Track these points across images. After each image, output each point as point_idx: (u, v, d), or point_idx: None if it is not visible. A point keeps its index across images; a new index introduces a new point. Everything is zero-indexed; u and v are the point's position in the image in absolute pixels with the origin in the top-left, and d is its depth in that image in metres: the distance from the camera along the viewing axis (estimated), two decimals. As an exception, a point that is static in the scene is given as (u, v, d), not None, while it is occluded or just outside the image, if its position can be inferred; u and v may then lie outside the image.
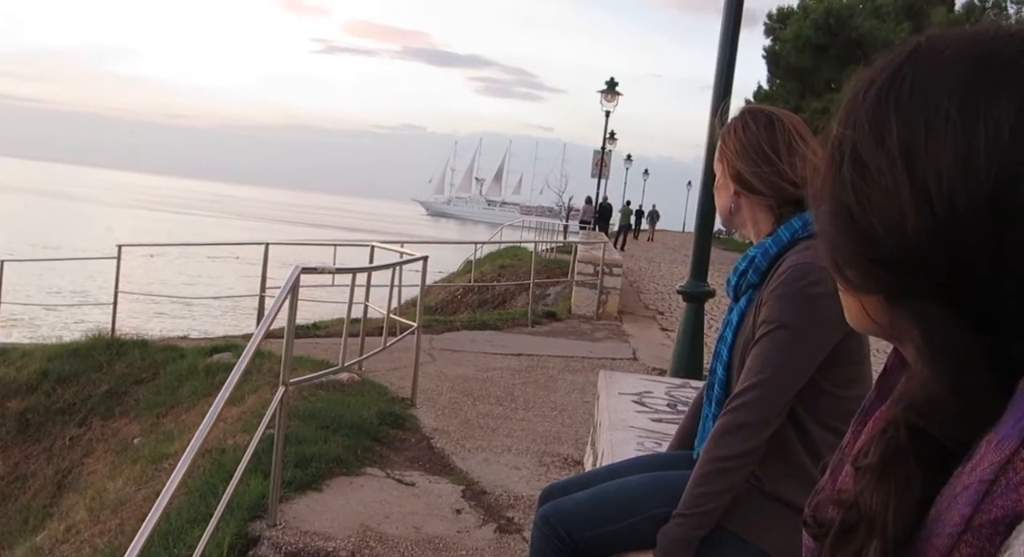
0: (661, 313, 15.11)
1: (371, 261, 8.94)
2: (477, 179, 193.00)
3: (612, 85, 32.75)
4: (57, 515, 7.30)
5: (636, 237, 38.83)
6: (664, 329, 13.13)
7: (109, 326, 11.31)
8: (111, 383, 9.51)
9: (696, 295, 6.51)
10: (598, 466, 3.17)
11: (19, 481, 8.98)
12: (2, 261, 12.60)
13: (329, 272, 6.75)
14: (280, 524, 4.47)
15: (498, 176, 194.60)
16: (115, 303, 11.51)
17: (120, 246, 11.43)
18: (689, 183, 71.97)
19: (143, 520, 3.44)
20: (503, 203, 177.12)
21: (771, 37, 37.10)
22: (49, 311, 20.97)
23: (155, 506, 3.32)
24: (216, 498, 4.36)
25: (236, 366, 3.98)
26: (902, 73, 0.73)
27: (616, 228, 36.74)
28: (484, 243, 22.50)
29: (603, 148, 35.40)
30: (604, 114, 33.40)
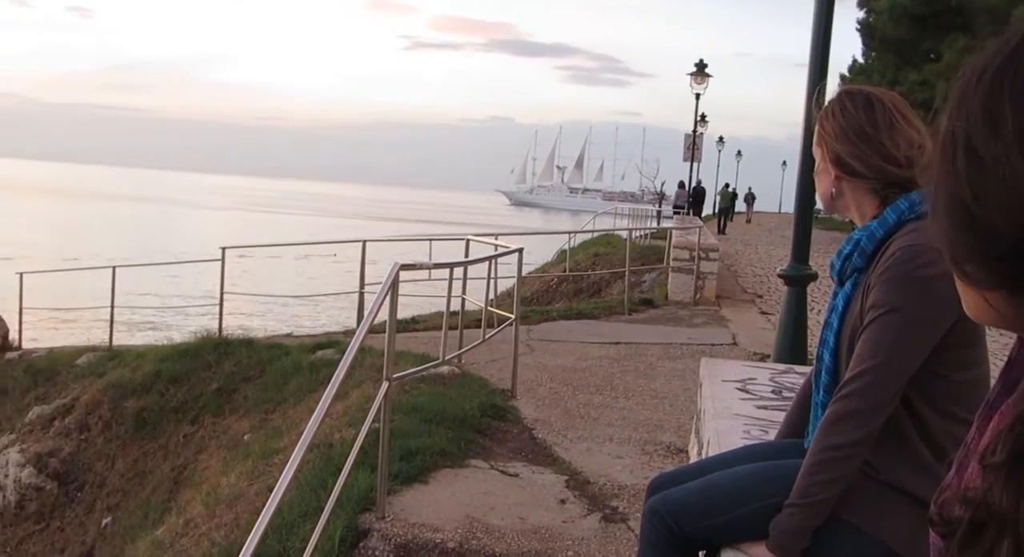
0: (760, 296, 14.86)
1: (467, 254, 9.01)
2: (559, 167, 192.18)
3: (701, 67, 32.32)
4: (175, 509, 7.56)
5: (731, 220, 38.24)
6: (764, 313, 12.92)
7: (216, 326, 11.65)
8: (220, 381, 9.81)
9: (798, 278, 6.39)
10: (703, 455, 3.15)
11: (138, 478, 9.35)
12: (114, 266, 13.10)
13: (427, 267, 6.82)
14: (388, 516, 4.55)
15: (579, 163, 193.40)
16: (221, 304, 11.84)
17: (224, 248, 11.74)
18: (784, 163, 70.44)
19: (257, 514, 3.55)
20: (585, 190, 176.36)
21: (865, 9, 36.00)
22: (159, 313, 21.74)
23: (269, 501, 3.42)
24: (326, 492, 4.47)
25: (341, 363, 4.07)
26: (1015, 59, 0.71)
27: (715, 212, 36.24)
28: (578, 232, 22.44)
29: (694, 131, 34.94)
30: (694, 97, 32.99)
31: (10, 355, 12.59)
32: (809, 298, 7.35)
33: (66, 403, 10.52)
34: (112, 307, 12.77)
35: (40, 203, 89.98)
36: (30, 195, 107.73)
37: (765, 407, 3.47)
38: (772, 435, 2.80)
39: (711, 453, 2.87)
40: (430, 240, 14.09)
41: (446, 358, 6.93)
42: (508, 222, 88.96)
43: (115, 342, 12.79)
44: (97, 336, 15.36)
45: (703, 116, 37.04)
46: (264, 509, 3.38)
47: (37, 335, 16.18)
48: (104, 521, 9.13)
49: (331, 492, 4.23)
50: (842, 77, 34.49)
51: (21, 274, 14.03)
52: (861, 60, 36.87)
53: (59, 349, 13.15)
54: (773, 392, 3.76)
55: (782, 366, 4.68)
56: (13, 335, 13.64)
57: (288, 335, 13.62)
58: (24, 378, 11.54)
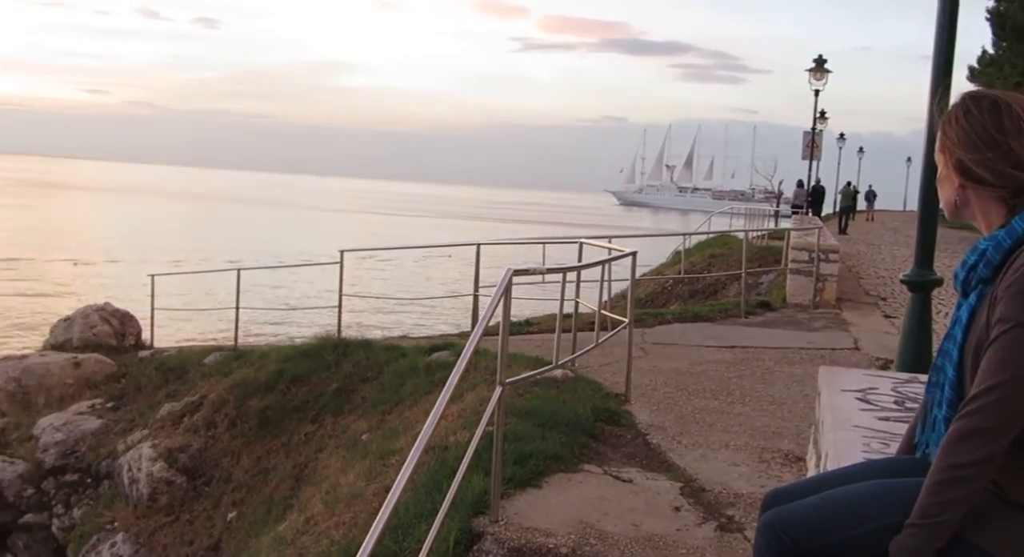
0: (883, 299, 14.41)
1: (580, 258, 9.00)
2: (668, 166, 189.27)
3: (820, 62, 31.48)
4: (296, 507, 7.78)
5: (853, 219, 37.17)
6: (887, 316, 12.52)
7: (335, 327, 11.93)
8: (339, 382, 10.05)
9: (921, 284, 6.17)
10: (821, 468, 3.07)
11: (262, 474, 9.66)
12: (239, 269, 13.58)
13: (539, 273, 6.84)
14: (502, 520, 4.59)
15: (688, 162, 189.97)
16: (340, 305, 12.12)
17: (343, 251, 12.02)
18: (908, 159, 67.99)
19: (374, 514, 3.62)
20: (694, 189, 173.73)
21: (995, -3, 34.48)
22: (281, 313, 22.40)
23: (386, 501, 3.48)
24: (441, 494, 4.53)
25: (456, 366, 4.11)
26: None
27: (835, 211, 35.29)
28: (693, 233, 22.17)
29: (813, 129, 34.08)
30: (813, 93, 32.18)
31: (143, 354, 13.18)
32: (936, 301, 7.09)
33: (194, 400, 10.95)
34: (237, 308, 13.22)
35: (177, 207, 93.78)
36: (168, 199, 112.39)
37: (887, 419, 3.36)
38: (894, 449, 2.71)
39: (829, 466, 2.80)
40: (543, 243, 14.11)
41: (559, 362, 6.94)
42: (618, 223, 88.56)
43: (240, 341, 13.24)
44: (223, 335, 15.94)
45: (822, 112, 36.10)
46: (381, 509, 3.44)
47: (168, 334, 16.89)
48: (230, 515, 9.45)
49: (446, 494, 4.27)
50: (971, 69, 33.12)
51: (153, 276, 14.66)
52: (991, 51, 35.28)
53: (188, 348, 13.70)
54: (896, 403, 3.64)
55: (905, 375, 4.52)
56: (145, 334, 14.28)
57: (404, 336, 13.86)
58: (156, 376, 12.06)
